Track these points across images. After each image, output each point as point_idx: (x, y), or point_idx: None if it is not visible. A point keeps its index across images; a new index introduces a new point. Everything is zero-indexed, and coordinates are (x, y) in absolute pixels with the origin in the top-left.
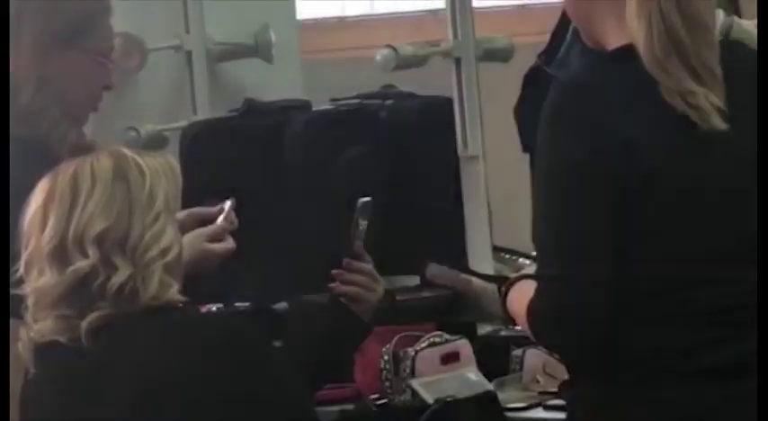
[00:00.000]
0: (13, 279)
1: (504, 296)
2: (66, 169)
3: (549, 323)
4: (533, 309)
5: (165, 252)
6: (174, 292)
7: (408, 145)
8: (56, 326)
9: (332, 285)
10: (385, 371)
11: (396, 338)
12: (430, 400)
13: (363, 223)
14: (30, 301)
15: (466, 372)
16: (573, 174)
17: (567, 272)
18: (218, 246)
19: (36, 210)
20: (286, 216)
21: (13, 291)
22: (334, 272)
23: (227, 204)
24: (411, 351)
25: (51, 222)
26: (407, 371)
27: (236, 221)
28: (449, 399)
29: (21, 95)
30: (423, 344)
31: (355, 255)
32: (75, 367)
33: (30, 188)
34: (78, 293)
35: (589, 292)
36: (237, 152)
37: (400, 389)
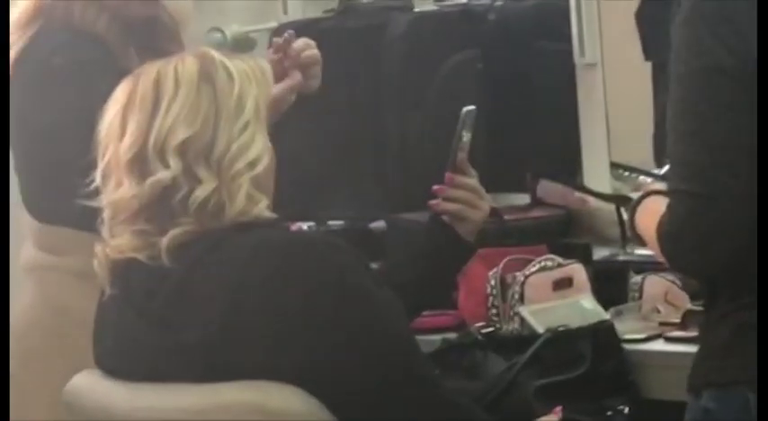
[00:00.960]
0: (88, 190)
1: (631, 214)
2: (149, 71)
3: (686, 243)
4: (668, 229)
5: (253, 164)
6: (262, 208)
7: (519, 51)
8: (134, 242)
9: (433, 202)
10: (491, 298)
11: (503, 262)
12: (540, 330)
13: (467, 135)
14: (106, 215)
15: (580, 300)
16: (716, 80)
17: (709, 187)
18: (278, 85)
19: (115, 115)
20: (384, 127)
21: (88, 203)
22: (435, 188)
23: (286, 35)
24: (520, 275)
25: (131, 129)
26: (516, 297)
27: (306, 53)
28: (561, 329)
29: None
30: (533, 269)
31: (458, 170)
32: (155, 287)
33: (80, 75)
34: (158, 207)
35: (734, 211)
36: (332, 57)
37: (508, 316)
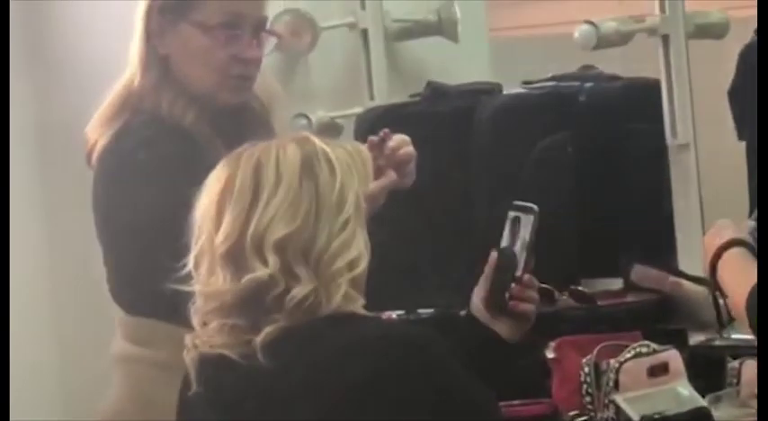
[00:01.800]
0: (179, 274)
1: (713, 262)
2: (249, 157)
3: None
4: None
5: (353, 264)
6: (358, 307)
7: (610, 132)
8: (226, 338)
9: (513, 303)
10: (585, 385)
11: (597, 348)
12: (635, 418)
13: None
14: (198, 304)
15: (676, 386)
16: None
17: None
18: (372, 184)
19: (211, 201)
20: (474, 213)
21: (180, 287)
22: (515, 288)
23: (381, 134)
24: (614, 362)
25: (228, 219)
26: (610, 384)
27: (401, 152)
28: (656, 417)
29: (137, 77)
30: (627, 355)
31: (529, 270)
32: (246, 388)
33: (166, 170)
34: (253, 303)
35: None
36: (420, 142)
37: (602, 404)
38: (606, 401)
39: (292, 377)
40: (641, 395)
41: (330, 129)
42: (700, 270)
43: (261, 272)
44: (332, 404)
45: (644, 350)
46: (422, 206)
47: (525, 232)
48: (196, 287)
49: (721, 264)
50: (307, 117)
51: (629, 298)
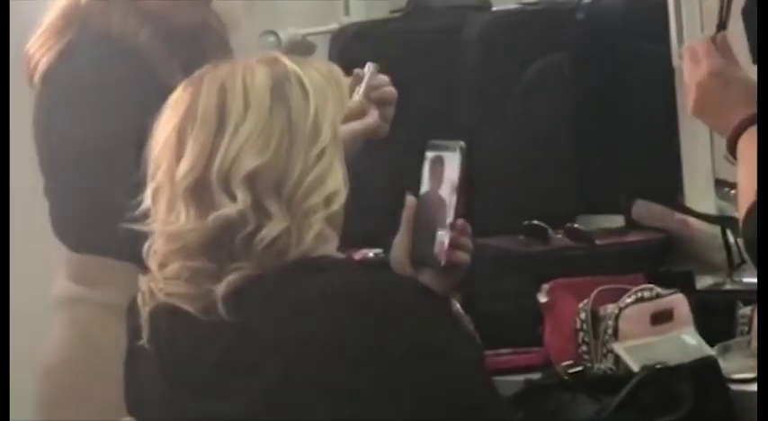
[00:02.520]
0: (134, 213)
1: (732, 139)
2: (212, 79)
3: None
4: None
5: (329, 199)
6: (331, 248)
7: (611, 54)
8: (185, 285)
9: (446, 251)
10: (581, 333)
11: (595, 292)
12: (635, 368)
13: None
14: (157, 245)
15: (681, 335)
16: None
17: None
18: (355, 124)
19: (172, 129)
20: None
21: (135, 227)
22: (449, 235)
23: (367, 69)
24: (613, 308)
25: (190, 149)
26: (609, 332)
27: (385, 89)
28: (659, 367)
29: None
30: (628, 300)
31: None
32: (204, 344)
33: (117, 94)
34: (219, 244)
35: None
36: (399, 64)
37: (599, 354)
38: (604, 351)
39: (256, 333)
40: (643, 344)
41: (301, 49)
42: (708, 206)
43: (229, 208)
44: (301, 363)
45: (646, 294)
46: (400, 134)
47: (452, 172)
48: (154, 226)
49: (741, 146)
50: (275, 34)
51: (631, 237)
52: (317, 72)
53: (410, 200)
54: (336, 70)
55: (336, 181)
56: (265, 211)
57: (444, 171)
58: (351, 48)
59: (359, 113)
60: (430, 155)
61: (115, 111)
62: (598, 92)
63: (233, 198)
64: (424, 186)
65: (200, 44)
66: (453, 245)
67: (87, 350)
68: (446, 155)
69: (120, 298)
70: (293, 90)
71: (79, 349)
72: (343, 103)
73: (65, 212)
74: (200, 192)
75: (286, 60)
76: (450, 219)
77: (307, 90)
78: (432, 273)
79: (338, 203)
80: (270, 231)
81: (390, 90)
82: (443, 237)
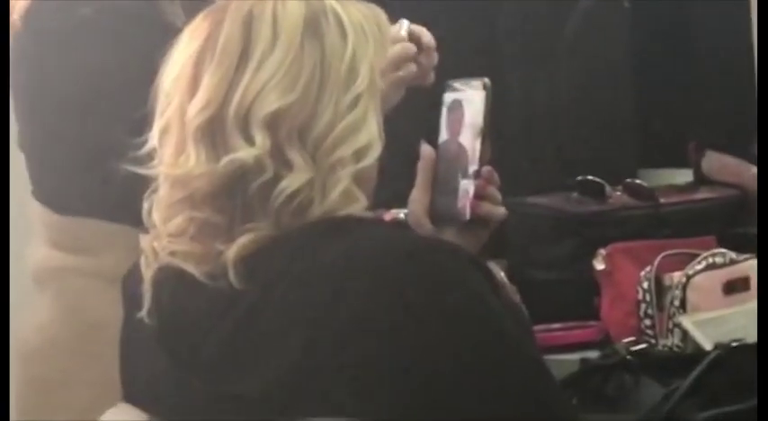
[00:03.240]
0: (139, 151)
1: None
2: (238, 8)
3: None
4: None
5: (360, 153)
6: (358, 209)
7: None
8: (191, 243)
9: (472, 203)
10: (644, 305)
11: (659, 258)
12: (707, 346)
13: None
14: (162, 193)
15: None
16: None
17: None
18: (396, 75)
19: (186, 62)
20: (503, 89)
21: (137, 169)
22: (474, 185)
23: (404, 24)
24: (681, 276)
25: (206, 84)
26: (676, 303)
27: (428, 41)
28: (734, 345)
29: None
30: (698, 267)
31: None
32: (212, 316)
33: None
34: (232, 194)
35: None
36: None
37: (665, 329)
38: (670, 325)
39: (273, 303)
40: (715, 317)
41: None
42: None
43: (245, 152)
44: (326, 337)
45: (719, 260)
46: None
47: (475, 115)
48: (160, 169)
49: None
50: None
51: (700, 194)
52: (359, 11)
53: (426, 148)
54: (380, 13)
55: (370, 133)
56: (286, 160)
57: (464, 114)
58: None
59: (403, 58)
60: (448, 97)
61: (114, 47)
62: (662, 26)
63: (251, 141)
64: (443, 134)
65: None
66: (479, 195)
67: (83, 329)
68: (466, 95)
69: (116, 267)
70: (330, 26)
71: (73, 329)
72: (385, 48)
73: (49, 169)
74: (213, 133)
75: None
76: (474, 167)
77: (345, 28)
78: (455, 230)
79: (371, 158)
80: (290, 183)
81: (431, 41)
82: (467, 187)
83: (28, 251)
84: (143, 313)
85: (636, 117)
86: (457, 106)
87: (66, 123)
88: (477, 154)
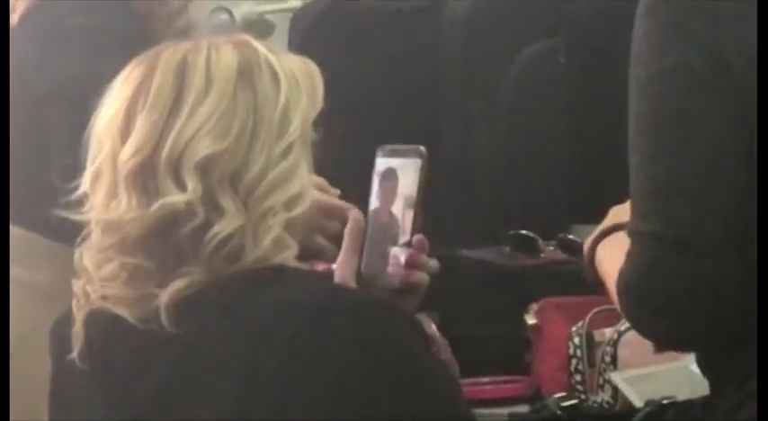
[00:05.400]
0: (69, 197)
1: (591, 252)
2: (172, 54)
3: (650, 303)
4: (627, 283)
5: (292, 202)
6: (288, 257)
7: (614, 39)
8: (124, 287)
9: (403, 272)
10: (575, 360)
11: (591, 314)
12: (638, 403)
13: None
14: (94, 238)
15: (690, 364)
16: (681, 83)
17: (677, 228)
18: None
19: (119, 107)
20: (441, 139)
21: (67, 215)
22: (410, 253)
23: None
24: (612, 332)
25: (139, 129)
26: (607, 359)
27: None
28: (665, 402)
29: None
30: (628, 323)
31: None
32: (143, 360)
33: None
34: (163, 239)
35: (713, 257)
36: (372, 47)
37: (596, 385)
38: (601, 381)
39: (203, 350)
40: (646, 374)
41: (258, 29)
42: None
43: (176, 197)
44: (254, 389)
45: None
46: (376, 128)
47: (409, 185)
48: (91, 214)
49: (600, 252)
50: (228, 11)
51: None
52: (293, 63)
53: (355, 214)
54: (313, 67)
55: (302, 182)
56: (218, 206)
57: (398, 184)
58: (316, 29)
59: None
60: (381, 164)
61: (98, 61)
62: (599, 81)
63: (182, 187)
64: (374, 200)
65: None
66: (410, 264)
67: (17, 342)
68: (401, 163)
69: (53, 282)
70: (263, 75)
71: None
72: (317, 101)
73: (11, 171)
74: (145, 178)
75: (256, 43)
76: (405, 237)
77: (278, 78)
78: (385, 295)
79: (302, 207)
80: (222, 228)
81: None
82: (398, 254)
83: None
84: (74, 355)
85: (571, 171)
86: (390, 174)
87: (30, 128)
88: (410, 224)
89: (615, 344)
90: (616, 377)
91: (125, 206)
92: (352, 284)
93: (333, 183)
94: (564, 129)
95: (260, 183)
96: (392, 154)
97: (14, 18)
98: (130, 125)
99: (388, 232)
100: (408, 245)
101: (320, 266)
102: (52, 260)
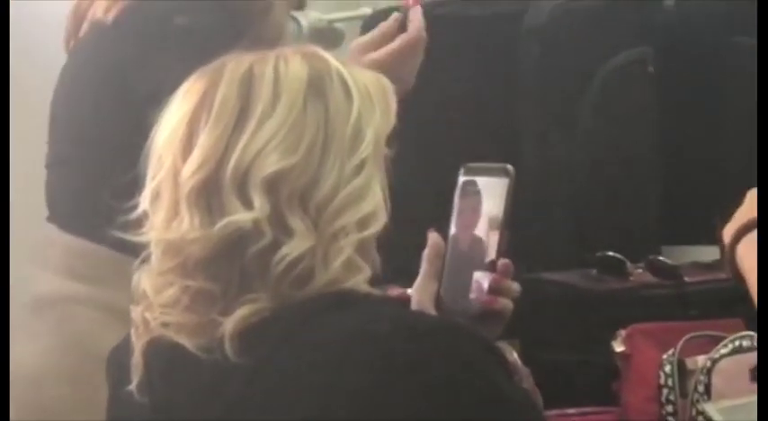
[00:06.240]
0: (129, 216)
1: (732, 245)
2: (236, 66)
3: None
4: None
5: (364, 222)
6: (361, 281)
7: (706, 48)
8: (185, 313)
9: (486, 298)
10: (666, 390)
11: (683, 340)
12: None
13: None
14: (154, 260)
15: None
16: None
17: None
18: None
19: (180, 121)
20: (519, 154)
21: (125, 236)
22: (494, 278)
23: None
24: (706, 360)
25: (202, 144)
26: (700, 389)
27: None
28: None
29: None
30: (723, 351)
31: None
32: (206, 391)
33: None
34: (228, 260)
35: None
36: (447, 56)
37: (689, 416)
38: (694, 412)
39: (269, 374)
40: (742, 405)
41: (327, 38)
42: None
43: (242, 216)
44: (327, 409)
45: (746, 343)
46: (449, 143)
47: (494, 204)
48: (151, 234)
49: (743, 246)
50: (295, 20)
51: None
52: (364, 77)
53: (433, 237)
54: (386, 82)
55: (375, 200)
56: (286, 225)
57: (482, 203)
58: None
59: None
60: (464, 182)
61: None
62: (689, 93)
63: (249, 205)
64: (455, 222)
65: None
66: (494, 289)
67: (86, 360)
68: (485, 181)
69: (128, 301)
70: (334, 87)
71: (75, 358)
72: (390, 117)
73: (78, 182)
74: (209, 196)
75: (327, 55)
76: (490, 257)
77: (350, 90)
78: (465, 322)
79: (375, 227)
80: (291, 250)
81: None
82: (481, 279)
83: (31, 277)
84: (132, 387)
85: (660, 189)
86: (473, 193)
87: (122, 127)
88: (495, 247)
89: (709, 372)
90: (710, 408)
91: (187, 225)
92: (431, 311)
93: (408, 203)
94: (652, 144)
95: (331, 202)
96: (476, 172)
97: (108, 18)
98: (193, 140)
99: (470, 256)
100: (491, 268)
101: (395, 291)
102: (118, 274)
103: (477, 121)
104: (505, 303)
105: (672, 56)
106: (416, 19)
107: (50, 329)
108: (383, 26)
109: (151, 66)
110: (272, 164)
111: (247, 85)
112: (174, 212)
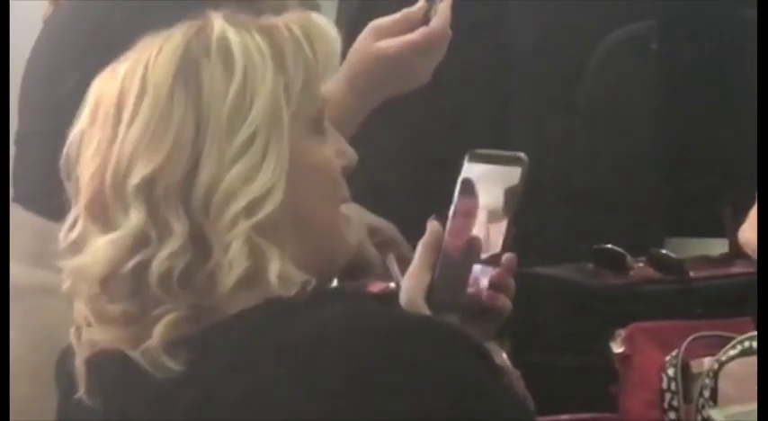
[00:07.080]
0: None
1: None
2: (135, 55)
3: None
4: None
5: (253, 206)
6: (277, 267)
7: (715, 24)
8: (124, 331)
9: (488, 293)
10: (669, 395)
11: (687, 341)
12: None
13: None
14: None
15: None
16: None
17: None
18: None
19: (77, 132)
20: (512, 135)
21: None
22: (496, 273)
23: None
24: (712, 362)
25: (88, 154)
26: (706, 394)
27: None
28: None
29: None
30: (731, 352)
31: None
32: (164, 400)
33: None
34: (133, 275)
35: None
36: None
37: None
38: (699, 419)
39: (228, 386)
40: (751, 411)
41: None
42: None
43: (126, 227)
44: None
45: (755, 345)
46: (435, 122)
47: (501, 195)
48: (62, 264)
49: None
50: None
51: (737, 268)
52: (265, 29)
53: (433, 225)
54: (314, 18)
55: (265, 179)
56: (168, 227)
57: (489, 192)
58: (369, 7)
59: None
60: (471, 169)
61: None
62: (695, 72)
63: (127, 214)
64: (457, 209)
65: None
66: (495, 285)
67: (48, 352)
68: (493, 170)
69: None
70: (211, 64)
71: (42, 353)
72: (299, 66)
73: (33, 161)
74: (100, 211)
75: (218, 20)
76: (494, 251)
77: (232, 61)
78: (457, 319)
79: (268, 208)
80: (166, 250)
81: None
82: (482, 274)
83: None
84: (81, 394)
85: (664, 177)
86: (480, 180)
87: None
88: (501, 239)
89: (716, 375)
90: (717, 414)
91: (86, 248)
92: (421, 303)
93: (397, 194)
94: (654, 128)
95: (215, 191)
96: (485, 160)
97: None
98: (82, 149)
99: (472, 246)
100: (496, 262)
101: (378, 286)
102: None
103: (468, 104)
104: (504, 301)
105: (677, 30)
106: (443, 13)
107: (17, 323)
108: (407, 12)
109: (135, 28)
110: (141, 169)
111: (123, 82)
112: (86, 232)
